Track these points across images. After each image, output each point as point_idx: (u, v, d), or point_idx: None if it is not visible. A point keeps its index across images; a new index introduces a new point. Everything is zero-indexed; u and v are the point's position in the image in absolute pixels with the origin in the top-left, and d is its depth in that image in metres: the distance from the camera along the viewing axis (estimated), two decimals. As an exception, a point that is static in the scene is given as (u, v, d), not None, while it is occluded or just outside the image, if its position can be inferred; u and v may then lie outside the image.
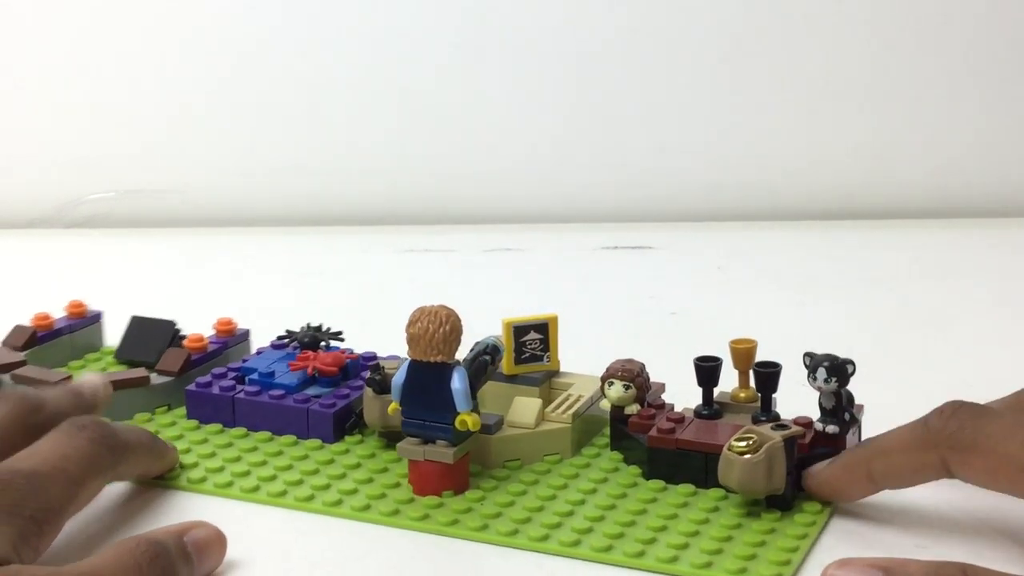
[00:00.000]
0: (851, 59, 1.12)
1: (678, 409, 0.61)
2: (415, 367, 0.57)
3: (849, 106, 1.12)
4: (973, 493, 0.53)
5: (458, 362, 0.57)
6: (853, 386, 0.57)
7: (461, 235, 1.08)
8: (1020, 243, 1.04)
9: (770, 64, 1.12)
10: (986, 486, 0.51)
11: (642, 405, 0.61)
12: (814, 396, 0.57)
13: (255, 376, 0.66)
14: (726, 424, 0.59)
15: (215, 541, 0.51)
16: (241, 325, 0.74)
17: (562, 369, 0.65)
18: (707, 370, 0.60)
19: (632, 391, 0.60)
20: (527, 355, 0.63)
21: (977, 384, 0.61)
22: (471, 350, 0.60)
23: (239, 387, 0.65)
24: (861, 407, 0.60)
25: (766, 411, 0.59)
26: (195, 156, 1.15)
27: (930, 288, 0.91)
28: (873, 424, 0.58)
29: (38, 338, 0.72)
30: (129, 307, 0.77)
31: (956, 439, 0.51)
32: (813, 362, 0.56)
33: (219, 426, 0.65)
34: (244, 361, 0.68)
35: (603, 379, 0.61)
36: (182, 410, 0.66)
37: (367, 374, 0.62)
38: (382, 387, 0.60)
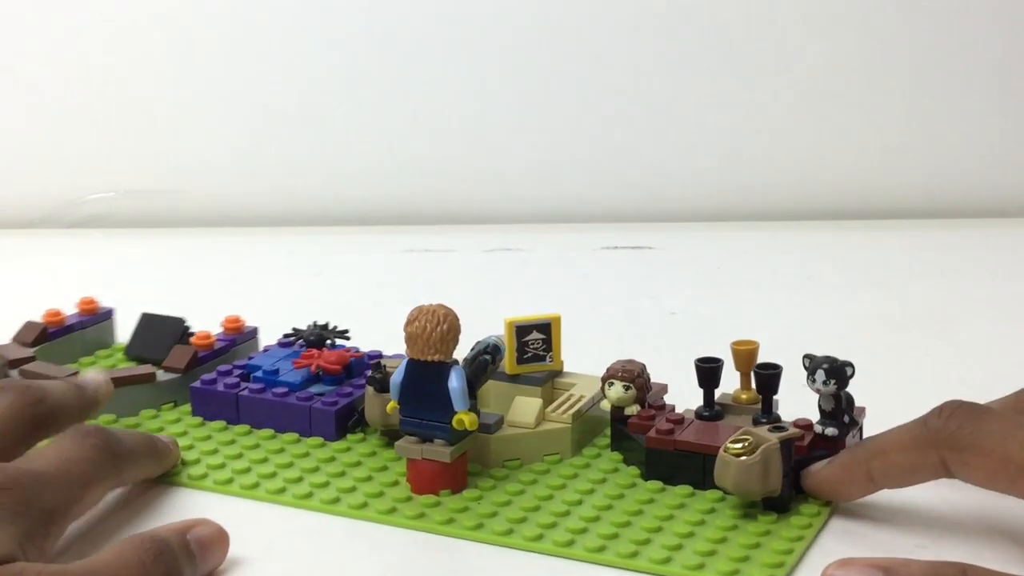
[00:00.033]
0: (851, 59, 1.12)
1: (680, 410, 0.61)
2: (413, 366, 0.57)
3: (849, 106, 1.12)
4: (973, 493, 0.53)
5: (456, 361, 0.57)
6: (853, 386, 0.57)
7: (461, 235, 1.08)
8: (1020, 243, 1.04)
9: (770, 64, 1.12)
10: (985, 486, 0.51)
11: (643, 406, 0.61)
12: (816, 398, 0.57)
13: (259, 374, 0.66)
14: (727, 426, 0.59)
15: (218, 539, 0.51)
16: (248, 323, 0.74)
17: (563, 369, 0.65)
18: (708, 371, 0.60)
19: (632, 392, 0.60)
20: (529, 355, 0.63)
21: (977, 384, 0.61)
22: (472, 349, 0.60)
23: (243, 384, 0.66)
24: (862, 410, 0.59)
25: (767, 413, 0.59)
26: (195, 156, 1.15)
27: (930, 288, 0.91)
28: (873, 424, 0.58)
29: (49, 334, 0.72)
30: (129, 307, 0.77)
31: (956, 439, 0.51)
32: (812, 364, 0.56)
33: (223, 423, 0.65)
34: (250, 359, 0.69)
35: (603, 379, 0.61)
36: (187, 407, 0.67)
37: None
38: (383, 385, 0.60)
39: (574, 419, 0.61)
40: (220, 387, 0.66)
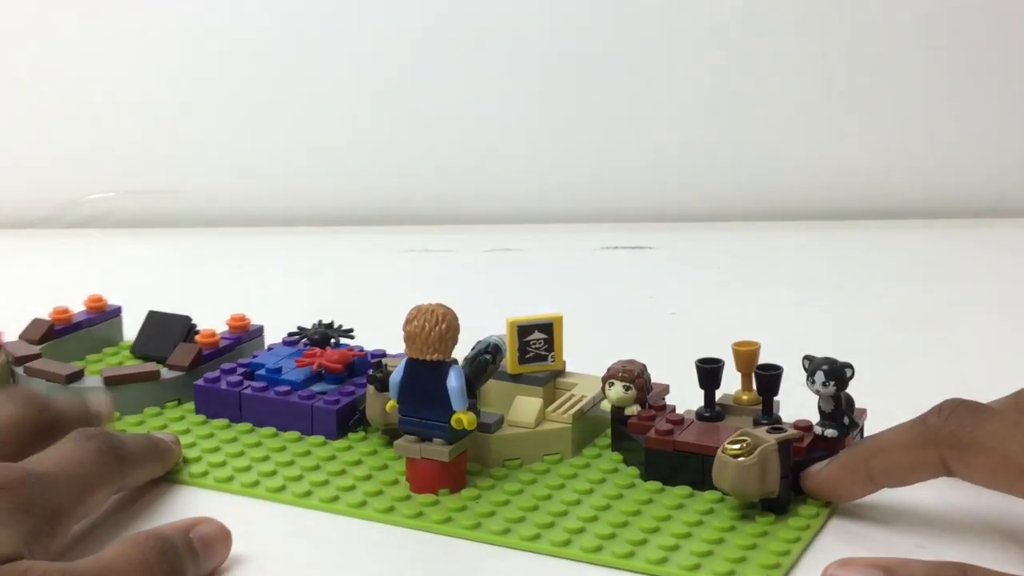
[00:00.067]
0: (851, 59, 1.12)
1: (681, 411, 0.61)
2: (412, 365, 0.57)
3: (849, 106, 1.12)
4: (973, 493, 0.53)
5: (455, 361, 0.57)
6: (852, 385, 0.56)
7: (461, 235, 1.08)
8: (1020, 243, 1.04)
9: (770, 64, 1.12)
10: (985, 485, 0.51)
11: (643, 406, 0.61)
12: (816, 399, 0.57)
13: (262, 372, 0.67)
14: (727, 427, 0.59)
15: (221, 537, 0.52)
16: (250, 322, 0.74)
17: (565, 369, 0.65)
18: (709, 372, 0.60)
19: (632, 392, 0.60)
20: (531, 355, 0.63)
21: (977, 384, 0.61)
22: (472, 348, 0.60)
23: (246, 383, 0.66)
24: (863, 411, 0.59)
25: (767, 414, 0.59)
26: (195, 156, 1.15)
27: (930, 288, 0.91)
28: (873, 424, 0.58)
29: (56, 332, 0.73)
30: (129, 306, 0.78)
31: (955, 437, 0.51)
32: (812, 365, 0.56)
33: (226, 421, 0.65)
34: (254, 357, 0.69)
35: (604, 380, 0.61)
36: (191, 405, 0.67)
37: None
38: (383, 384, 0.60)
39: (574, 419, 0.61)
40: (223, 385, 0.66)
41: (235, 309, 0.74)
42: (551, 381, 0.64)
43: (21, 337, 0.72)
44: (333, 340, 0.69)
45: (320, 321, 0.70)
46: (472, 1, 1.12)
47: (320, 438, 0.63)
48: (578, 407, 0.62)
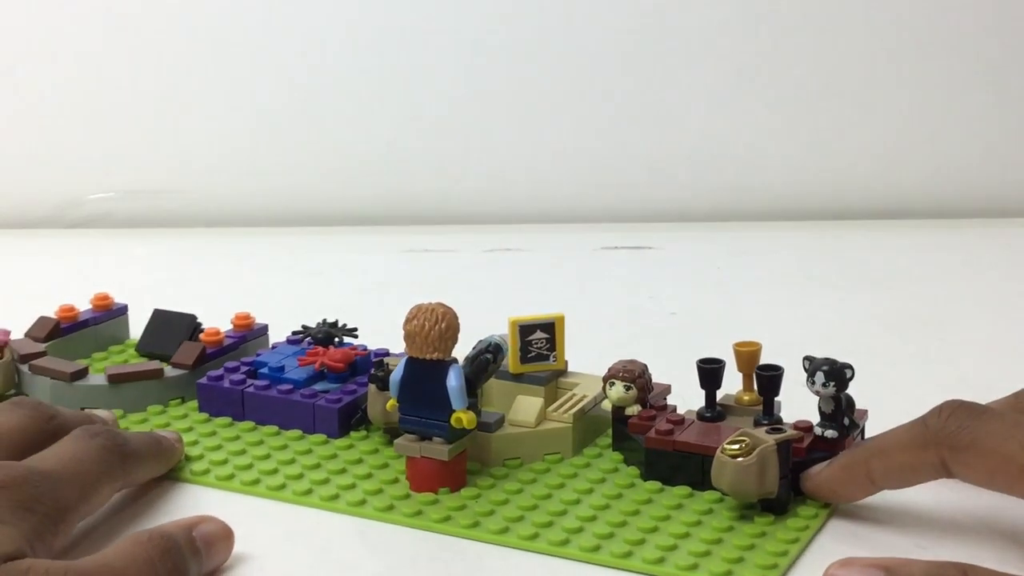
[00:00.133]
0: (851, 60, 1.12)
1: (682, 411, 0.61)
2: (412, 364, 0.57)
3: (849, 106, 1.12)
4: (973, 493, 0.53)
5: (455, 360, 0.57)
6: (853, 386, 0.56)
7: (461, 235, 1.08)
8: (1020, 243, 1.04)
9: (770, 65, 1.12)
10: (985, 486, 0.51)
11: (644, 406, 0.61)
12: (817, 400, 0.57)
13: (265, 371, 0.67)
14: (728, 427, 0.59)
15: (223, 535, 0.52)
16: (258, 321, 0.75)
17: (567, 369, 0.65)
18: (709, 372, 0.60)
19: (633, 392, 0.60)
20: (533, 354, 0.63)
21: (977, 384, 0.61)
22: (474, 348, 0.60)
23: (249, 381, 0.66)
24: (864, 412, 0.59)
25: (768, 414, 0.59)
26: (195, 156, 1.15)
27: (930, 288, 0.91)
28: (873, 425, 0.58)
29: (62, 330, 0.73)
30: (132, 306, 0.78)
31: (955, 439, 0.51)
32: (812, 366, 0.56)
33: (228, 419, 0.66)
34: (257, 356, 0.69)
35: (604, 379, 0.61)
36: (195, 403, 0.67)
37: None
38: (385, 383, 0.60)
39: (575, 419, 0.61)
40: (226, 384, 0.66)
41: (238, 308, 0.74)
42: (553, 381, 0.64)
43: (27, 335, 0.72)
44: (337, 339, 0.69)
45: (324, 320, 0.70)
46: (472, 1, 1.12)
47: (322, 436, 0.63)
48: (579, 407, 0.62)
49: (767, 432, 0.55)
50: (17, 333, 0.72)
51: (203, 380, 0.67)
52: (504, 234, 1.07)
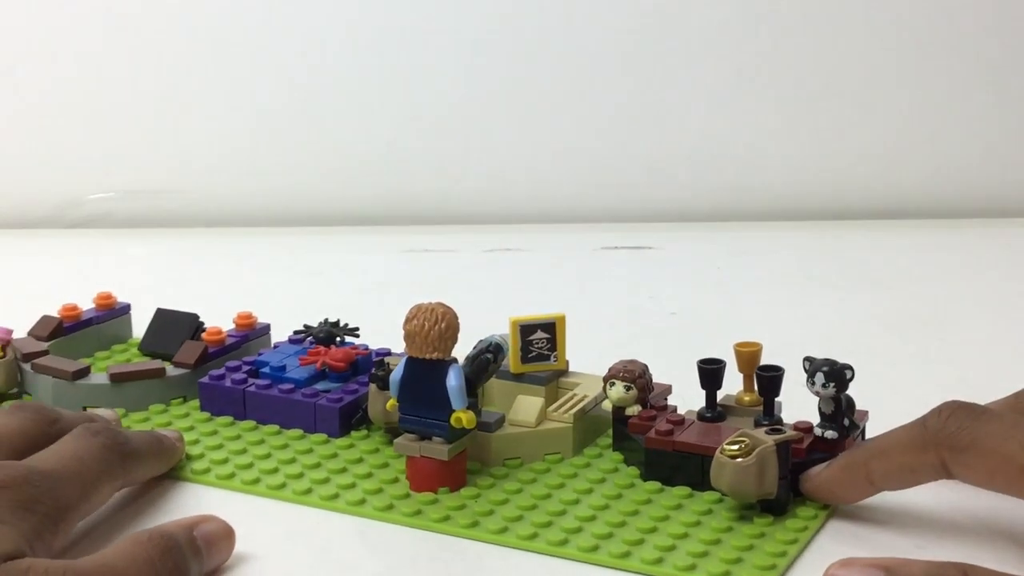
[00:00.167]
0: (852, 60, 1.12)
1: (682, 412, 0.61)
2: (412, 364, 0.57)
3: (849, 106, 1.12)
4: (973, 493, 0.53)
5: (455, 359, 0.57)
6: (853, 386, 0.56)
7: (461, 235, 1.08)
8: (1020, 243, 1.04)
9: (770, 65, 1.12)
10: (985, 486, 0.51)
11: (644, 406, 0.61)
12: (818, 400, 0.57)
13: (266, 370, 0.67)
14: (728, 427, 0.59)
15: (224, 535, 0.52)
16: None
17: (568, 368, 0.65)
18: (710, 372, 0.59)
19: (633, 392, 0.60)
20: (534, 354, 0.63)
21: (977, 384, 0.61)
22: (474, 347, 0.60)
23: (250, 380, 0.66)
24: (865, 413, 0.59)
25: (769, 415, 0.59)
26: (195, 156, 1.15)
27: (930, 288, 0.91)
28: (873, 424, 0.58)
29: (64, 329, 0.73)
30: (134, 305, 0.78)
31: (955, 439, 0.51)
32: (812, 367, 0.56)
33: (230, 418, 0.66)
34: (259, 355, 0.69)
35: (605, 379, 0.61)
36: (196, 402, 0.67)
37: (378, 370, 0.63)
38: (385, 383, 0.60)
39: (575, 419, 0.61)
40: (227, 383, 0.66)
41: (238, 308, 0.74)
42: (554, 381, 0.64)
43: (29, 334, 0.72)
44: (338, 339, 0.69)
45: (326, 319, 0.70)
46: (472, 1, 1.12)
47: (323, 436, 0.63)
48: (579, 407, 0.62)
49: (766, 433, 0.55)
50: (17, 333, 0.72)
51: (205, 379, 0.67)
52: (504, 234, 1.07)
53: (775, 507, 0.55)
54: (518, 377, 0.63)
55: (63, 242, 1.10)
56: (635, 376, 0.60)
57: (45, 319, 0.73)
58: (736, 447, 0.54)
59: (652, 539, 0.53)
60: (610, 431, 0.62)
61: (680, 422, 0.59)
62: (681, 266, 0.99)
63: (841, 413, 0.56)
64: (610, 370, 0.61)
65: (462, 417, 0.56)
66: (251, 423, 0.65)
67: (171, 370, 0.68)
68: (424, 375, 0.57)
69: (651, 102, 1.13)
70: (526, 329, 0.63)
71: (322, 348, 0.67)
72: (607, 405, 0.61)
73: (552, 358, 0.64)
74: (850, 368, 0.56)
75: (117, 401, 0.66)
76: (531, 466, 0.60)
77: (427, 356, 0.56)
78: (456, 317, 0.57)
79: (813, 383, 0.56)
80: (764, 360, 0.60)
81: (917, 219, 1.10)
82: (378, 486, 0.58)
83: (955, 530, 0.54)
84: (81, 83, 1.14)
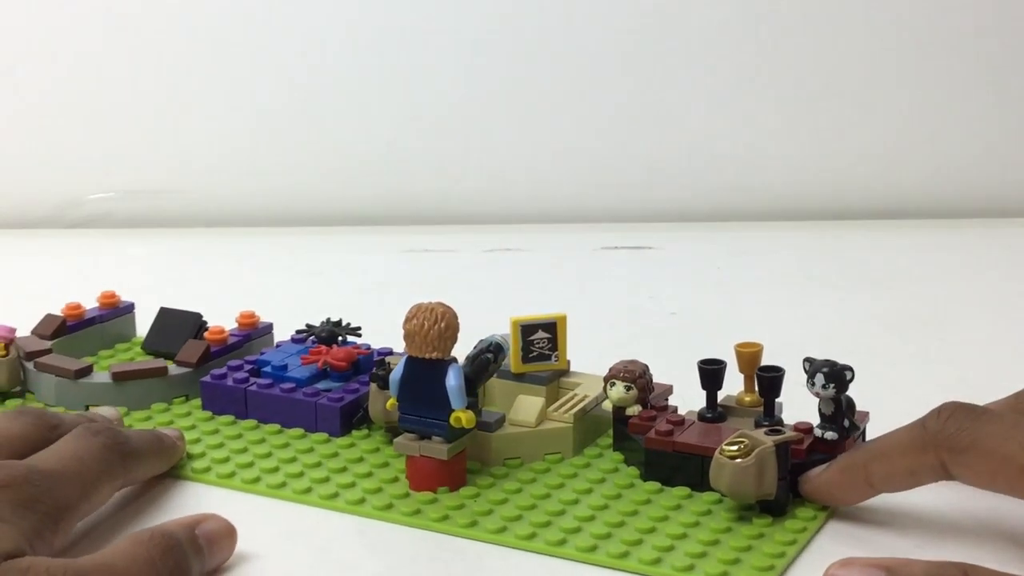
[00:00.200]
0: (852, 60, 1.12)
1: (683, 412, 0.61)
2: (412, 363, 0.57)
3: (849, 107, 1.12)
4: (972, 494, 0.53)
5: (454, 359, 0.57)
6: (854, 387, 0.56)
7: (461, 235, 1.08)
8: (1020, 243, 1.04)
9: (770, 65, 1.12)
10: (985, 487, 0.51)
11: (645, 407, 0.61)
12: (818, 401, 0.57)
13: (268, 369, 0.67)
14: (728, 428, 0.59)
15: (226, 534, 0.52)
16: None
17: (569, 368, 0.65)
18: (711, 373, 0.59)
19: (633, 392, 0.60)
20: (535, 354, 0.63)
21: (977, 384, 0.61)
22: (475, 347, 0.60)
23: (252, 379, 0.67)
24: (866, 414, 0.59)
25: (769, 415, 0.59)
26: (195, 156, 1.15)
27: (930, 288, 0.91)
28: (873, 425, 0.58)
29: (68, 327, 0.73)
30: (137, 305, 0.78)
31: (955, 440, 0.51)
32: (812, 368, 0.56)
33: (231, 417, 0.66)
34: (261, 354, 0.69)
35: (605, 380, 0.61)
36: (198, 401, 0.67)
37: (379, 370, 0.63)
38: (386, 382, 0.60)
39: (576, 419, 0.61)
40: (229, 382, 0.66)
41: (239, 308, 0.74)
42: (555, 381, 0.64)
43: (33, 332, 0.72)
44: (340, 338, 0.69)
45: (328, 319, 0.70)
46: (472, 1, 1.12)
47: (324, 435, 0.64)
48: (580, 407, 0.62)
49: (766, 434, 0.55)
50: (17, 334, 0.72)
51: (206, 378, 0.67)
52: (504, 234, 1.07)
53: (774, 508, 0.55)
54: (519, 377, 0.63)
55: (63, 242, 1.10)
56: (635, 376, 0.60)
57: (48, 318, 0.73)
58: (735, 448, 0.54)
59: (650, 539, 0.53)
60: (610, 431, 0.62)
61: (680, 422, 0.59)
62: (681, 266, 0.99)
63: (841, 414, 0.56)
64: (610, 370, 0.61)
65: (461, 417, 0.56)
66: (252, 422, 0.65)
67: (173, 369, 0.68)
68: (424, 375, 0.57)
69: (651, 102, 1.13)
70: (527, 329, 0.63)
71: (324, 347, 0.67)
72: (607, 405, 0.61)
73: (553, 358, 0.64)
74: (850, 369, 0.56)
75: (119, 400, 0.66)
76: (531, 466, 0.60)
77: (427, 356, 0.56)
78: (456, 317, 0.57)
79: (813, 384, 0.56)
80: (764, 361, 0.60)
81: (917, 219, 1.10)
82: (378, 485, 0.58)
83: (955, 530, 0.54)
84: (81, 83, 1.14)
